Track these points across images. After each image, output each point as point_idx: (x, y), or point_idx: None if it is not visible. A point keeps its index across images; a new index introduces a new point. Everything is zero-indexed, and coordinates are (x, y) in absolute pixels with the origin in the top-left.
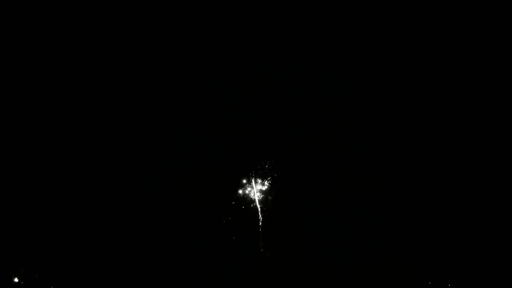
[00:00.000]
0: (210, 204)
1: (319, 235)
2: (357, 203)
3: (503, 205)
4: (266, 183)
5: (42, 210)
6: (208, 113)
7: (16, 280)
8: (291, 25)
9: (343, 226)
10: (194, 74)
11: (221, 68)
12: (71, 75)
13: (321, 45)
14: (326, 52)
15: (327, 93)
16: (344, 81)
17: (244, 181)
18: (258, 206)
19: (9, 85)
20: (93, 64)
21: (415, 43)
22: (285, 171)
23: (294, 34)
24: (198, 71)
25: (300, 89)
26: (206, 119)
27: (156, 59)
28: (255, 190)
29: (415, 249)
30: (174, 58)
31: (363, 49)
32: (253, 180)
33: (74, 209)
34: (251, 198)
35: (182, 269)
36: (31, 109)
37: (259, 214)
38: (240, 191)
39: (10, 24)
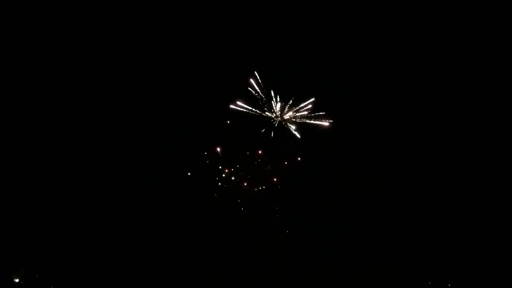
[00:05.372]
0: (209, 204)
1: (319, 235)
2: (357, 203)
3: (503, 205)
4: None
5: (42, 210)
6: (208, 113)
7: (16, 280)
8: (291, 26)
9: (343, 226)
10: (195, 74)
11: (221, 68)
12: (71, 76)
13: (321, 45)
14: (326, 52)
15: (327, 93)
16: (344, 81)
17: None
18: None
19: (9, 85)
20: (93, 65)
21: (415, 44)
22: (285, 171)
23: (294, 35)
24: (198, 71)
25: (300, 89)
26: (206, 119)
27: (156, 60)
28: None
29: (415, 249)
30: (175, 58)
31: (363, 50)
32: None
33: (74, 209)
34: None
35: (182, 269)
36: (31, 109)
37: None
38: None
39: (10, 24)
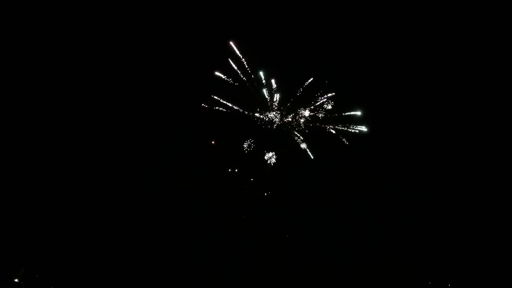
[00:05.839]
0: (209, 204)
1: (319, 235)
2: (357, 203)
3: (503, 205)
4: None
5: (42, 210)
6: (208, 113)
7: (16, 280)
8: (292, 26)
9: (343, 226)
10: (195, 74)
11: (222, 68)
12: (70, 76)
13: (322, 45)
14: (326, 53)
15: (327, 94)
16: (345, 82)
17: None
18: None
19: (9, 85)
20: (93, 65)
21: (415, 45)
22: (285, 171)
23: (295, 35)
24: (199, 71)
25: (300, 89)
26: (206, 119)
27: (157, 60)
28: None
29: (415, 249)
30: (175, 59)
31: (364, 50)
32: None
33: (74, 209)
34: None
35: (182, 269)
36: (31, 109)
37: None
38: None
39: (10, 24)
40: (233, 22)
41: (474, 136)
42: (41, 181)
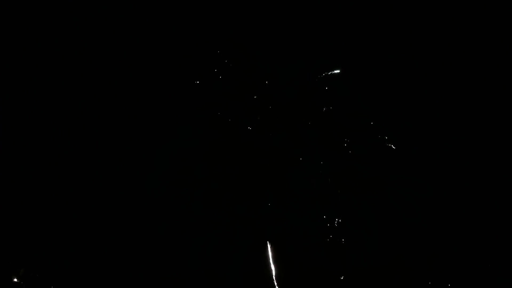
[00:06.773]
0: (209, 204)
1: (318, 235)
2: (357, 203)
3: (503, 205)
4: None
5: (42, 210)
6: (208, 113)
7: (16, 280)
8: (291, 25)
9: (343, 226)
10: (194, 73)
11: (222, 67)
12: (70, 75)
13: (322, 44)
14: (326, 52)
15: (327, 94)
16: (345, 81)
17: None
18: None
19: (9, 85)
20: (93, 64)
21: (415, 42)
22: (285, 171)
23: (294, 34)
24: (198, 70)
25: (301, 89)
26: (206, 119)
27: (156, 58)
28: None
29: (415, 249)
30: (174, 57)
31: (363, 49)
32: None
33: (74, 209)
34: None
35: (182, 269)
36: (31, 109)
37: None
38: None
39: (10, 24)
40: (233, 21)
41: (474, 136)
42: (40, 181)
